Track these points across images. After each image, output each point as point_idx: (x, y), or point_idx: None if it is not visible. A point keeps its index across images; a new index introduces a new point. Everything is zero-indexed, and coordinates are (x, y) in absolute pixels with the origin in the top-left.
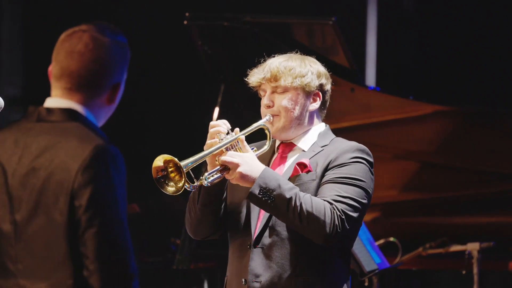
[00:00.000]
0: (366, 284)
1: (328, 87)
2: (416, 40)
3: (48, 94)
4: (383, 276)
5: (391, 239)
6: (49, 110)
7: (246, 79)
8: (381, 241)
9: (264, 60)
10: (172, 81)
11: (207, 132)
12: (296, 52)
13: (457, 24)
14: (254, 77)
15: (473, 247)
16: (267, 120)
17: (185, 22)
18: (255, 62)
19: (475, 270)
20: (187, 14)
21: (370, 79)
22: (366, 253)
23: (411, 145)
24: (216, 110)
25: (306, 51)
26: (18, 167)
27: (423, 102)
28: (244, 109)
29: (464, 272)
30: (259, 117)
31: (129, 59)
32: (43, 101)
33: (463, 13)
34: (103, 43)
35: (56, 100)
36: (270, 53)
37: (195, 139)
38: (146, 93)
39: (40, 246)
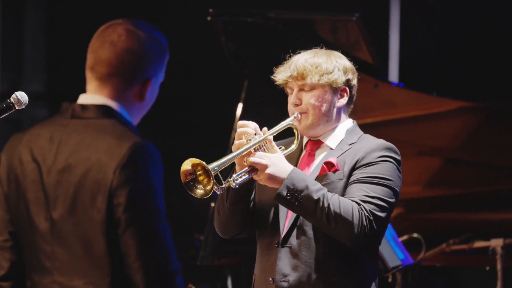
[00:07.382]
0: (390, 280)
1: (354, 81)
2: (439, 36)
3: (71, 90)
4: (406, 272)
5: (415, 235)
6: (84, 107)
7: (272, 77)
8: (405, 237)
9: (290, 57)
10: (195, 77)
11: (230, 127)
12: (321, 47)
13: (481, 19)
14: (281, 75)
15: (496, 243)
16: (294, 117)
17: (209, 18)
18: (278, 58)
19: (498, 266)
20: (210, 10)
21: (394, 75)
22: (390, 249)
23: (434, 141)
24: (240, 106)
25: (329, 47)
26: (53, 164)
27: (447, 98)
28: (267, 105)
29: (487, 268)
30: (282, 113)
31: (167, 59)
32: (66, 97)
33: (487, 9)
34: (137, 35)
35: (90, 97)
36: (294, 49)
37: (218, 135)
38: (168, 89)
39: (77, 243)
